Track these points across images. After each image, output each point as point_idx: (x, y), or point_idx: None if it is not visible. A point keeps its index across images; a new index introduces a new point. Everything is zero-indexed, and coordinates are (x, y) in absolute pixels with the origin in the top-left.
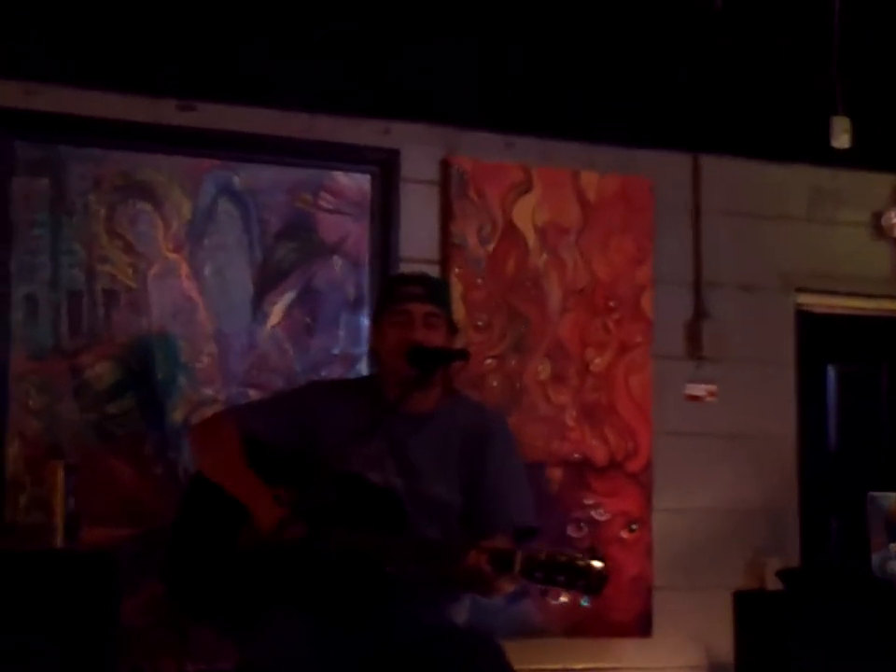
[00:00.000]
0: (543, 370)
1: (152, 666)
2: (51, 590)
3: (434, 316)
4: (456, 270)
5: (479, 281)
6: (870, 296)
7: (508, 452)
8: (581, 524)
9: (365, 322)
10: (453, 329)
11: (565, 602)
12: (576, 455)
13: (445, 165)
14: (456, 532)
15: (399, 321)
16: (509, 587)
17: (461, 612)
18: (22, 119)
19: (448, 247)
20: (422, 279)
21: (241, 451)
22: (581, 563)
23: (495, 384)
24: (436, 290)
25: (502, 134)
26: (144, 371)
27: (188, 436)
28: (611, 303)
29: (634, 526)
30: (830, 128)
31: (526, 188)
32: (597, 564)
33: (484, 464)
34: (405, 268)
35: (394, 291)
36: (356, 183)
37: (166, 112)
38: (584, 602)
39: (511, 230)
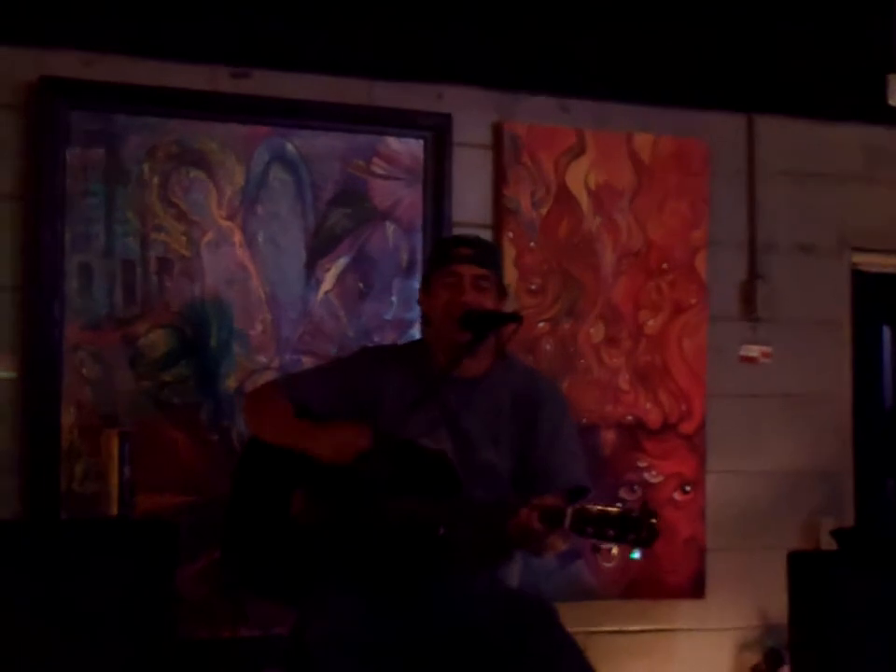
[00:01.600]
0: (596, 333)
1: (209, 633)
2: (108, 558)
3: (484, 279)
4: (510, 234)
5: (532, 245)
6: None
7: (560, 416)
8: (635, 486)
9: (417, 288)
10: (502, 292)
11: (615, 556)
12: (629, 418)
13: (497, 130)
14: (509, 495)
15: (448, 283)
16: (561, 545)
17: (514, 575)
18: (79, 88)
19: (501, 212)
20: (472, 241)
21: (292, 412)
22: (631, 516)
23: (548, 347)
24: (486, 252)
25: (555, 98)
26: (198, 339)
27: (242, 405)
28: (665, 266)
29: (687, 488)
30: (886, 86)
31: (579, 151)
32: (648, 517)
33: (536, 428)
34: (458, 232)
35: (444, 253)
36: (408, 148)
37: (220, 80)
38: (635, 555)
39: (564, 193)
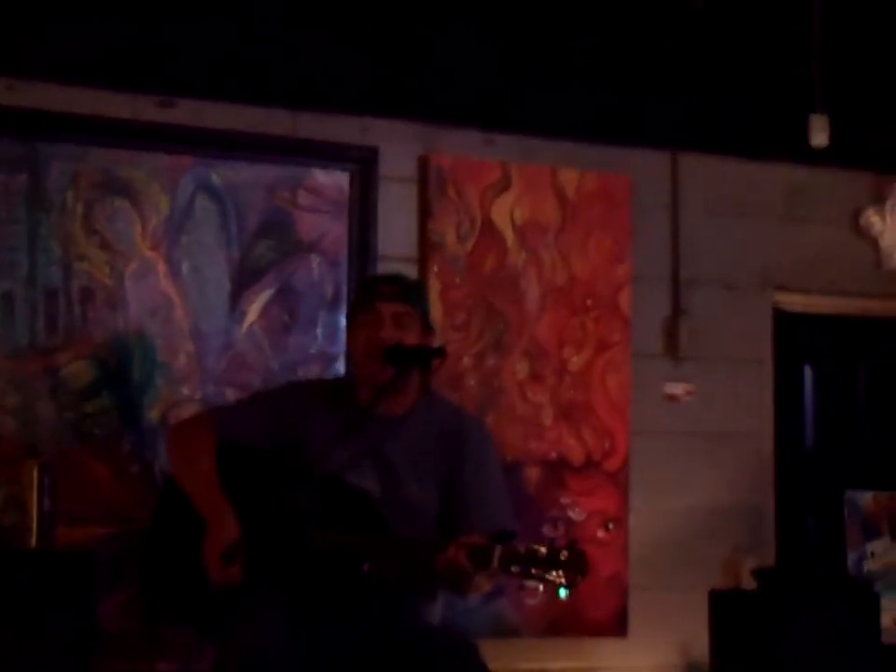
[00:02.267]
0: (521, 369)
1: (127, 667)
2: (27, 590)
3: (405, 315)
4: (435, 268)
5: (457, 279)
6: (847, 295)
7: (485, 454)
8: (558, 523)
9: (343, 321)
10: (427, 328)
11: (542, 596)
12: (553, 455)
13: (423, 162)
14: (433, 534)
15: (368, 321)
16: (486, 585)
17: (436, 613)
18: (1, 115)
19: (426, 245)
20: (393, 278)
21: (213, 462)
22: (559, 556)
23: (472, 383)
24: (407, 289)
25: (481, 132)
26: (120, 369)
27: (165, 436)
28: (589, 302)
29: (610, 526)
30: (808, 126)
31: (505, 185)
32: (575, 556)
33: (462, 467)
34: (383, 266)
35: (365, 291)
36: (334, 181)
37: (146, 109)
38: (563, 594)
39: (489, 228)
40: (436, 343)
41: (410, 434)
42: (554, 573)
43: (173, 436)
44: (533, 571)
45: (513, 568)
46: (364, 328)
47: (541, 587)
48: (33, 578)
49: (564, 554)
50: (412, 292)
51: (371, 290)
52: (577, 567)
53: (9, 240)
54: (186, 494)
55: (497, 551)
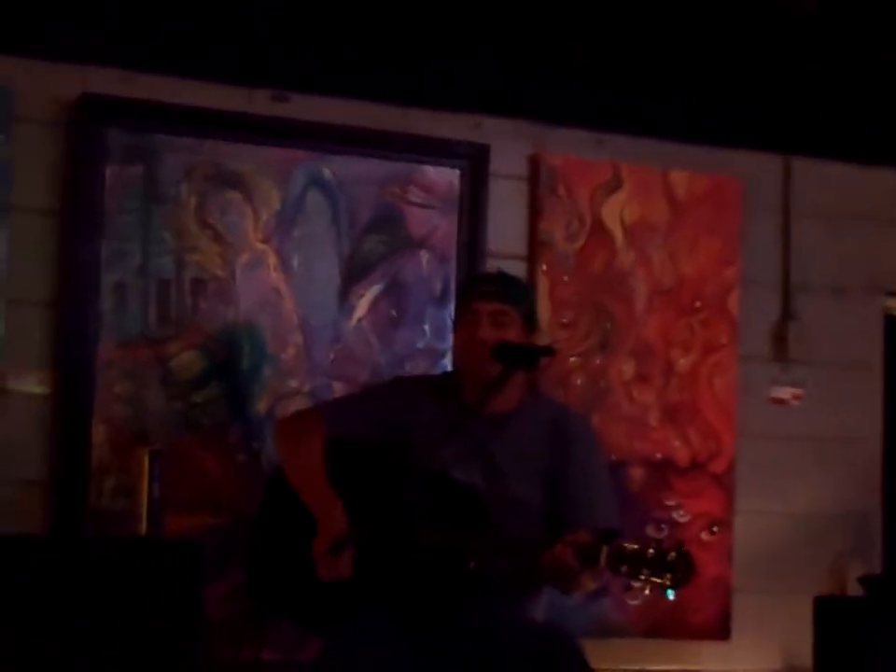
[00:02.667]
0: (627, 369)
1: (232, 654)
2: (135, 577)
3: (502, 314)
4: (543, 266)
5: (565, 278)
6: None
7: (591, 453)
8: (662, 524)
9: (450, 317)
10: (531, 327)
11: (647, 597)
12: (658, 456)
13: (534, 161)
14: (539, 531)
15: (467, 319)
16: (591, 584)
17: (540, 610)
18: (117, 106)
19: (536, 244)
20: (494, 277)
21: (322, 456)
22: (667, 557)
23: (578, 382)
24: (507, 288)
25: (592, 132)
26: (229, 360)
27: (274, 429)
28: (697, 304)
29: (715, 528)
30: None
31: (615, 185)
32: (683, 557)
33: (568, 465)
34: (492, 263)
35: (466, 290)
36: (444, 177)
37: (260, 102)
38: (670, 594)
39: (598, 227)
40: (541, 341)
41: (516, 432)
42: (662, 574)
43: (281, 429)
44: (641, 571)
45: (622, 568)
46: (464, 327)
47: (648, 588)
48: (141, 565)
49: (672, 556)
50: (511, 290)
51: (470, 290)
52: (684, 569)
53: (123, 230)
54: (294, 487)
55: (605, 549)
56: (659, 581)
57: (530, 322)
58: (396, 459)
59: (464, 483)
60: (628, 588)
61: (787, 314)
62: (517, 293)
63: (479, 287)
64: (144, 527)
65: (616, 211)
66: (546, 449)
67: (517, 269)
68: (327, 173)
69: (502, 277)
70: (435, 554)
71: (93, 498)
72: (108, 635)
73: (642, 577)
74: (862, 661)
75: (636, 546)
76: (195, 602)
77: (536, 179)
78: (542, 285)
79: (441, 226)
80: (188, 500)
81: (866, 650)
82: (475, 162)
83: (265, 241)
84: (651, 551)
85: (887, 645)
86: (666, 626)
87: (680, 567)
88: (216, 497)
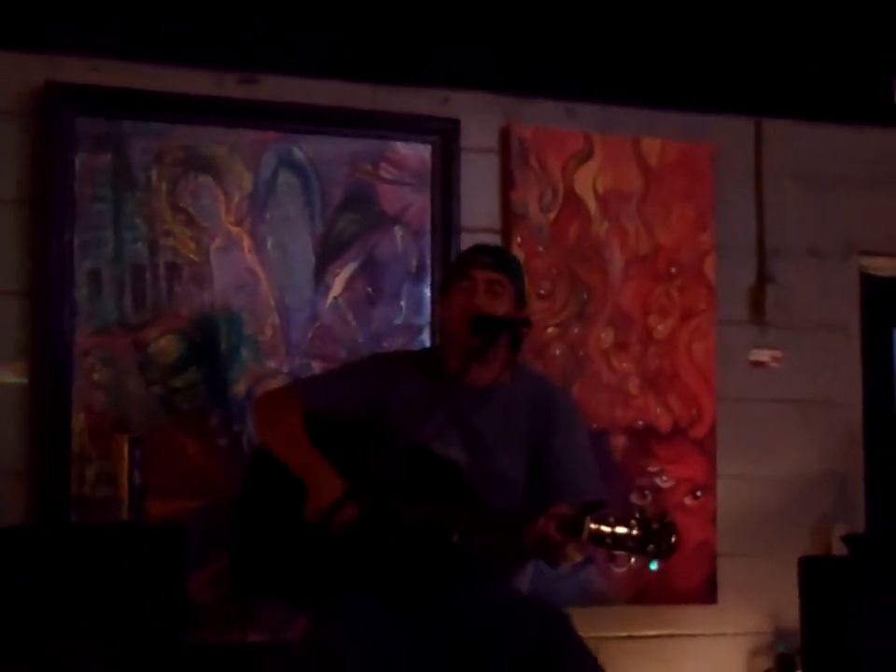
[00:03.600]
0: (606, 338)
1: (218, 637)
2: (119, 563)
3: (498, 284)
4: (518, 239)
5: (540, 249)
6: None
7: (573, 426)
8: (645, 491)
9: (427, 292)
10: (521, 302)
11: (632, 567)
12: (639, 423)
13: (505, 134)
14: (521, 505)
15: (463, 287)
16: (576, 555)
17: (525, 582)
18: (85, 94)
19: (509, 216)
20: (491, 249)
21: (302, 426)
22: (651, 528)
23: (557, 352)
24: (503, 260)
25: (562, 102)
26: (207, 344)
27: (252, 409)
28: (674, 270)
29: (698, 493)
30: (893, 89)
31: (587, 155)
32: (667, 528)
33: (550, 438)
34: (466, 238)
35: (462, 259)
36: (416, 153)
37: (228, 85)
38: (653, 566)
39: (572, 197)
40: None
41: (497, 405)
42: (646, 545)
43: (259, 406)
44: (625, 544)
45: (606, 540)
46: (459, 294)
47: (633, 559)
48: (124, 551)
49: (655, 526)
50: (508, 263)
51: (468, 258)
52: (668, 540)
53: (95, 218)
54: (279, 459)
55: (588, 521)
56: (643, 551)
57: (521, 299)
58: (375, 435)
59: (445, 458)
60: (612, 559)
61: (763, 277)
62: (513, 267)
63: (477, 256)
64: (126, 514)
65: (589, 181)
66: (528, 422)
67: (491, 242)
68: (298, 153)
69: (500, 250)
70: (417, 530)
71: (76, 487)
72: (94, 621)
73: (627, 548)
74: (849, 619)
75: (618, 518)
76: (179, 586)
77: (507, 152)
78: (518, 257)
79: (415, 202)
80: (170, 485)
81: (852, 608)
82: (446, 137)
83: (238, 223)
84: (633, 522)
85: (872, 602)
86: (652, 592)
87: (664, 538)
88: (198, 481)
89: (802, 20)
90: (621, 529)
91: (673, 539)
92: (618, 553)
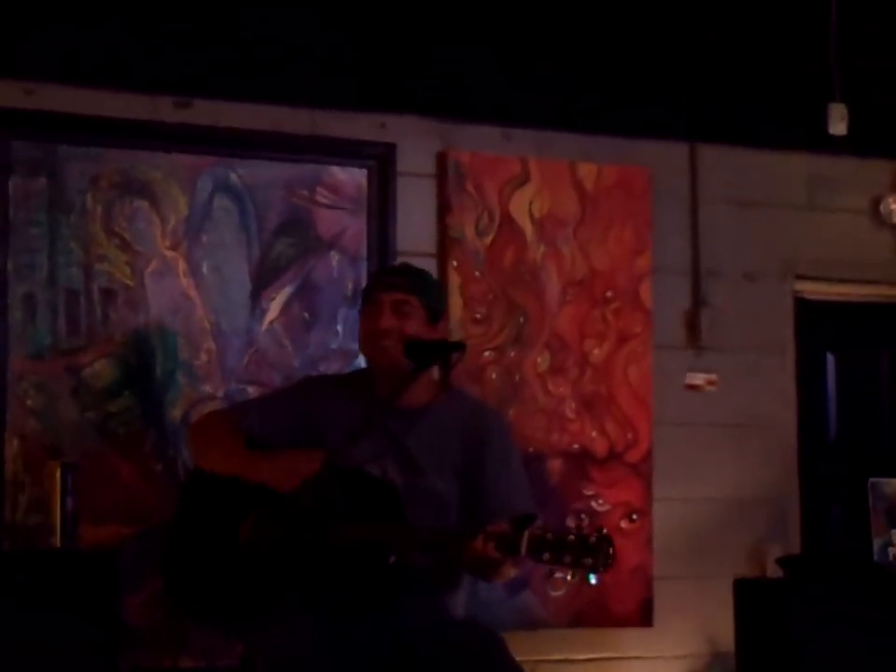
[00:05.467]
0: (542, 361)
1: (151, 662)
2: (51, 589)
3: (405, 304)
4: (454, 263)
5: (477, 273)
6: (869, 282)
7: (506, 445)
8: (581, 514)
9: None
10: (434, 318)
11: (571, 581)
12: (575, 447)
13: (442, 158)
14: (456, 523)
15: (370, 311)
16: (512, 572)
17: (459, 605)
18: (20, 118)
19: (446, 240)
20: (397, 269)
21: (237, 437)
22: (588, 541)
23: (493, 376)
24: (410, 278)
25: (498, 127)
26: (142, 368)
27: (187, 436)
28: (610, 294)
29: (634, 517)
30: (827, 115)
31: (524, 179)
32: (603, 541)
33: (483, 458)
34: (403, 261)
35: (369, 282)
36: (352, 178)
37: (163, 109)
38: (592, 579)
39: (508, 222)
40: (450, 335)
41: (430, 427)
42: (584, 558)
43: (193, 432)
44: (563, 557)
45: (544, 555)
46: (367, 317)
47: (570, 573)
48: (57, 577)
49: (592, 539)
50: (414, 281)
51: (374, 281)
52: (605, 552)
53: (30, 242)
54: (224, 474)
55: (525, 538)
56: (581, 565)
57: (434, 314)
58: None
59: (380, 479)
60: (551, 575)
61: (698, 300)
62: (420, 284)
63: (383, 278)
64: (59, 540)
65: (525, 205)
66: (460, 443)
67: (428, 266)
68: (234, 177)
69: (405, 268)
70: (353, 551)
71: (8, 514)
72: (27, 647)
73: (564, 562)
74: (783, 640)
75: (556, 533)
76: (112, 611)
77: (444, 176)
78: (454, 281)
79: (351, 226)
80: (104, 511)
81: (787, 630)
82: (382, 162)
83: (174, 247)
84: (571, 536)
85: (806, 624)
86: (589, 616)
87: (602, 551)
88: (132, 506)
89: (735, 46)
90: (558, 544)
91: (610, 552)
92: (557, 567)
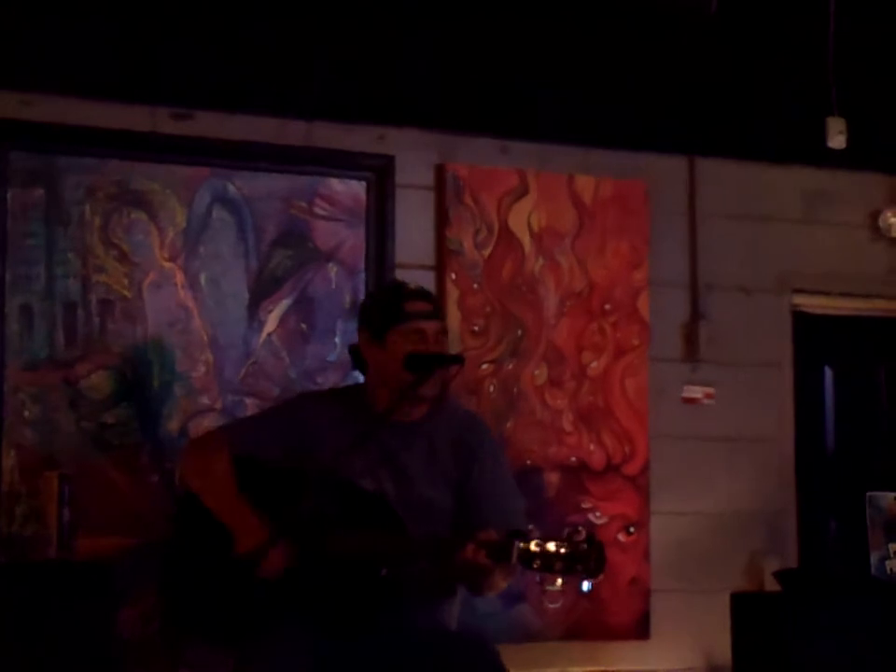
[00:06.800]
0: (540, 374)
1: None
2: (47, 601)
3: (443, 333)
4: (452, 275)
5: (475, 286)
6: (867, 296)
7: (496, 458)
8: (579, 527)
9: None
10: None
11: (563, 589)
12: (573, 459)
13: (440, 171)
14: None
15: (412, 339)
16: (503, 583)
17: (454, 616)
18: (17, 129)
19: (444, 253)
20: (425, 294)
21: (230, 473)
22: (579, 548)
23: (491, 389)
24: (438, 305)
25: (497, 139)
26: (139, 380)
27: (180, 457)
28: (607, 307)
29: (631, 529)
30: (825, 129)
31: (522, 192)
32: (594, 547)
33: (474, 470)
34: (401, 274)
35: (401, 308)
36: (351, 190)
37: (161, 121)
38: (585, 586)
39: (506, 234)
40: (452, 348)
41: (422, 439)
42: (575, 565)
43: (188, 453)
44: (554, 565)
45: (535, 563)
46: (406, 343)
47: (560, 580)
48: (52, 588)
49: (582, 546)
50: (440, 307)
51: (410, 308)
52: (597, 558)
53: (27, 253)
54: (206, 507)
55: (516, 545)
56: (572, 572)
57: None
58: (303, 473)
59: (372, 491)
60: (543, 582)
61: (696, 314)
62: (441, 307)
63: (418, 305)
64: (55, 551)
65: (523, 218)
66: (453, 456)
67: (426, 278)
68: (232, 189)
69: (430, 294)
70: (346, 564)
71: (4, 524)
72: (23, 658)
73: (555, 570)
74: (780, 654)
75: (546, 540)
76: (108, 623)
77: (442, 189)
78: (452, 293)
79: (349, 238)
80: (100, 522)
81: (783, 643)
82: (381, 174)
83: (172, 259)
84: (561, 543)
85: (803, 638)
86: (585, 628)
87: (593, 557)
88: (128, 517)
89: (734, 60)
90: (549, 551)
91: (601, 557)
92: (548, 574)
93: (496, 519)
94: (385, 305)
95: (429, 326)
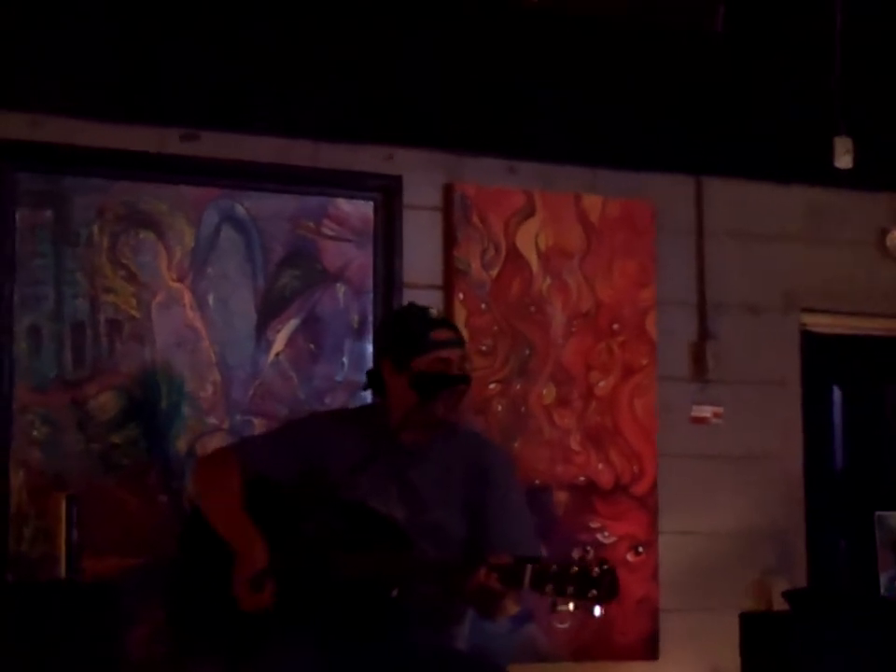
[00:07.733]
0: (548, 394)
1: None
2: (55, 621)
3: (466, 360)
4: (460, 295)
5: (483, 306)
6: (875, 315)
7: (509, 481)
8: (587, 547)
9: (369, 349)
10: None
11: (574, 614)
12: (581, 479)
13: (448, 191)
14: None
15: (438, 367)
16: (514, 608)
17: (463, 637)
18: (26, 150)
19: (451, 273)
20: (449, 322)
21: (239, 494)
22: (592, 573)
23: (499, 408)
24: (461, 333)
25: (504, 160)
26: (148, 400)
27: (190, 472)
28: (615, 326)
29: (640, 549)
30: (832, 148)
31: (529, 212)
32: (607, 573)
33: (486, 493)
34: (409, 295)
35: (424, 337)
36: (358, 210)
37: (169, 142)
38: (597, 611)
39: (514, 254)
40: None
41: (435, 462)
42: (587, 591)
43: (198, 471)
44: (566, 589)
45: (547, 588)
46: (431, 371)
47: (572, 605)
48: (61, 609)
49: (595, 571)
50: (461, 335)
51: (434, 336)
52: (609, 584)
53: (35, 274)
54: (213, 526)
55: (529, 570)
56: (585, 598)
57: None
58: (313, 493)
59: (382, 513)
60: (554, 607)
61: (704, 333)
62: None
63: (441, 334)
64: (63, 572)
65: (531, 238)
66: (465, 478)
67: (434, 298)
68: (240, 209)
69: (448, 321)
70: (356, 585)
71: (13, 545)
72: None
73: (568, 594)
74: None
75: (559, 565)
76: (115, 644)
77: (450, 209)
78: (459, 313)
79: (357, 258)
80: (109, 543)
81: (792, 663)
82: (388, 194)
83: (180, 279)
84: (574, 568)
85: (812, 658)
86: (594, 648)
87: (605, 583)
88: (136, 538)
89: (742, 80)
90: (561, 576)
91: (614, 583)
92: (560, 599)
93: (507, 544)
94: (410, 334)
95: (454, 354)
